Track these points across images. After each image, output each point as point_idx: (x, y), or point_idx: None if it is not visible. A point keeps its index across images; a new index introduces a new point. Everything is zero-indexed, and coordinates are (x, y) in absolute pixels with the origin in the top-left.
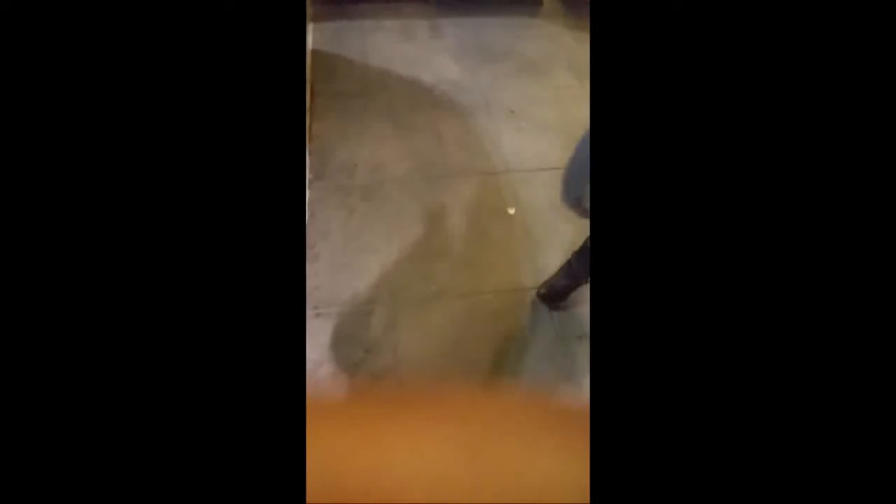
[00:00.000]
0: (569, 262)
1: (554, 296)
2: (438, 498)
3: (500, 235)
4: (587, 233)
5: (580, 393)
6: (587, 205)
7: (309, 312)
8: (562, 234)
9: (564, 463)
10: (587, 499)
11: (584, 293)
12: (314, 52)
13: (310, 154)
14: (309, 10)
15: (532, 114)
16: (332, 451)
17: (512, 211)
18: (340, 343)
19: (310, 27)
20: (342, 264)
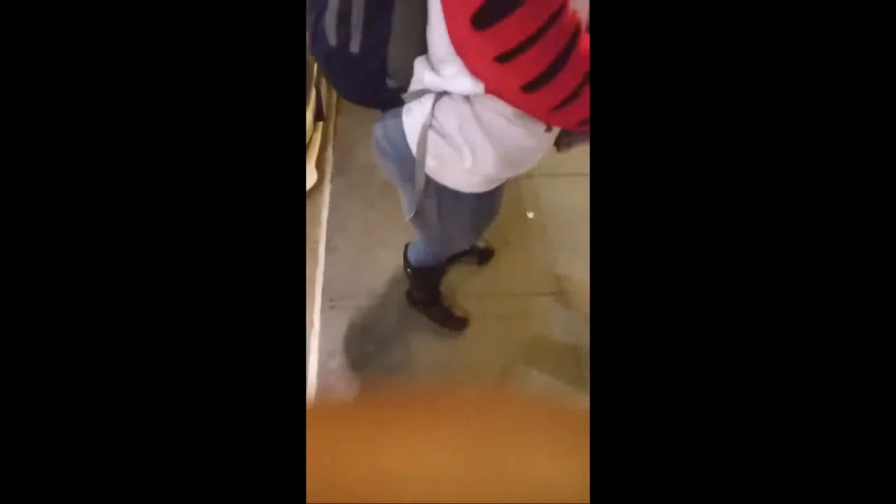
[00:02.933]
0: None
1: (420, 300)
2: (438, 498)
3: (517, 239)
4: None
5: (582, 394)
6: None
7: (323, 304)
8: (581, 241)
9: (564, 463)
10: (587, 499)
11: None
12: None
13: (333, 150)
14: None
15: None
16: (332, 451)
17: (531, 215)
18: (353, 336)
19: None
20: (359, 258)
